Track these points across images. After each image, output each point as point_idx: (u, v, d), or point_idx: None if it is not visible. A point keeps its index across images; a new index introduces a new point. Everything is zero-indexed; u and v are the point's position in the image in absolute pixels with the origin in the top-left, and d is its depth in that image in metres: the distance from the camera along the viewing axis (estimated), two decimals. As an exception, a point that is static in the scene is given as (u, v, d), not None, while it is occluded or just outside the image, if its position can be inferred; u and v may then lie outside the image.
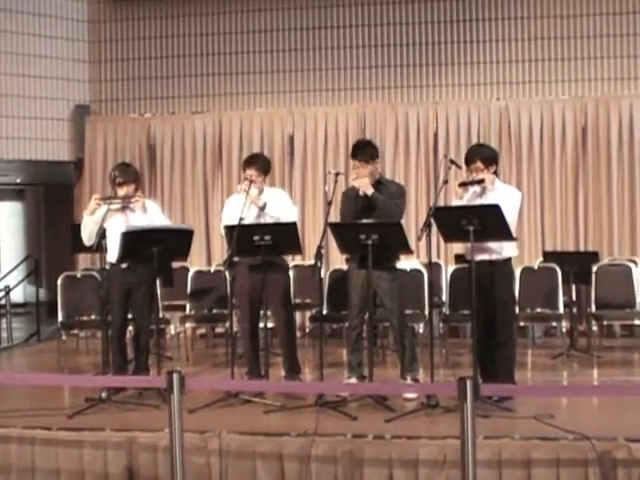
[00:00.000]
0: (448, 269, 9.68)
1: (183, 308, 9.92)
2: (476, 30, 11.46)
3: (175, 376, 5.26)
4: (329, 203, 7.39)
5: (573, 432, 5.79)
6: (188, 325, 9.99)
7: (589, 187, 11.16)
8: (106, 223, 7.52)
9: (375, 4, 11.66)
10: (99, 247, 7.53)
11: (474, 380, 5.16)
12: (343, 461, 5.83)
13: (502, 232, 6.76)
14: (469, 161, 7.14)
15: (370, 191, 7.42)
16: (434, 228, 6.90)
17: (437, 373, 7.24)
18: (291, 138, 11.74)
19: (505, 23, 11.41)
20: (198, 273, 10.11)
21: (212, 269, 10.28)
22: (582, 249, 10.97)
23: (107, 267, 7.72)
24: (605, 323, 9.92)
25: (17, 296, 13.69)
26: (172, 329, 9.76)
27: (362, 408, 6.81)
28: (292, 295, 8.43)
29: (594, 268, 9.53)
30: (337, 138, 11.60)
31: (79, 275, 9.89)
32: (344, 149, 11.22)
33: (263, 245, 7.23)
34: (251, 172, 7.79)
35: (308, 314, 9.95)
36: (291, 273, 8.50)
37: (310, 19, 11.81)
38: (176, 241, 7.54)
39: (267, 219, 7.68)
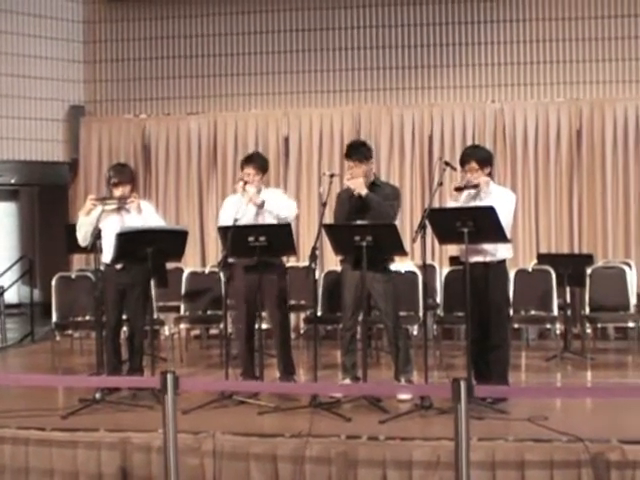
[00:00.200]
0: (443, 271, 9.69)
1: (177, 309, 9.91)
2: (471, 32, 11.48)
3: (169, 377, 5.26)
4: (324, 204, 7.38)
5: (567, 434, 5.80)
6: (182, 326, 9.98)
7: (583, 189, 11.18)
8: (101, 224, 7.51)
9: (370, 6, 11.67)
10: (94, 247, 7.51)
11: (468, 381, 5.16)
12: (337, 462, 5.83)
13: (497, 234, 6.78)
14: (464, 162, 7.16)
15: (364, 191, 7.42)
16: (429, 230, 6.91)
17: (431, 375, 7.25)
18: (286, 139, 11.74)
19: (500, 26, 11.43)
20: (192, 274, 10.10)
21: (207, 270, 10.27)
22: (576, 251, 10.98)
23: (102, 268, 7.71)
24: (599, 325, 9.95)
25: (11, 297, 13.66)
26: (166, 330, 9.77)
27: (356, 409, 6.81)
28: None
29: (588, 270, 9.55)
30: (332, 140, 11.61)
31: (73, 276, 9.88)
32: (339, 151, 11.22)
33: (258, 246, 7.23)
34: (249, 170, 7.79)
35: (302, 315, 9.95)
36: (287, 274, 8.50)
37: (305, 21, 11.82)
38: (170, 242, 7.54)
39: (266, 216, 7.68)
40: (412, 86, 11.64)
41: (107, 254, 7.58)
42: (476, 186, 7.06)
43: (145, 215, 7.70)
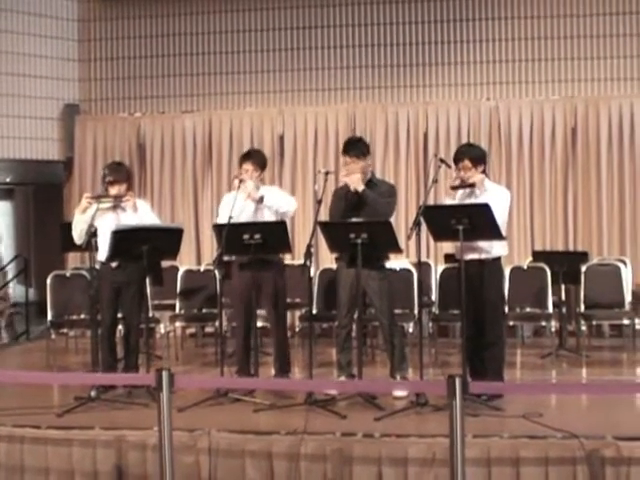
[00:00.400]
0: (438, 268, 9.69)
1: (173, 307, 9.90)
2: (466, 30, 11.48)
3: (164, 374, 5.26)
4: (319, 202, 7.36)
5: (562, 430, 5.81)
6: (178, 324, 9.99)
7: (578, 187, 11.19)
8: (97, 222, 7.51)
9: (365, 4, 11.67)
10: (89, 246, 7.51)
11: (463, 378, 5.17)
12: (332, 459, 5.83)
13: (492, 231, 6.78)
14: (457, 160, 7.16)
15: (361, 187, 7.41)
16: (424, 227, 6.91)
17: (426, 372, 7.27)
18: (281, 138, 11.74)
19: (495, 23, 11.43)
20: (188, 272, 10.11)
21: (202, 268, 10.27)
22: (571, 249, 11.00)
23: (97, 266, 7.71)
24: (594, 323, 9.94)
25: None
26: (162, 328, 9.77)
27: (351, 407, 6.82)
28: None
29: (583, 268, 9.57)
30: (327, 138, 11.60)
31: (68, 274, 9.88)
32: (334, 149, 11.23)
33: (253, 244, 7.23)
34: (247, 167, 7.78)
35: (298, 313, 9.95)
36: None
37: (300, 19, 11.81)
38: (166, 240, 7.54)
39: (265, 212, 7.68)
40: (407, 84, 11.64)
41: (102, 252, 7.58)
42: (472, 185, 7.08)
43: (141, 213, 7.70)
